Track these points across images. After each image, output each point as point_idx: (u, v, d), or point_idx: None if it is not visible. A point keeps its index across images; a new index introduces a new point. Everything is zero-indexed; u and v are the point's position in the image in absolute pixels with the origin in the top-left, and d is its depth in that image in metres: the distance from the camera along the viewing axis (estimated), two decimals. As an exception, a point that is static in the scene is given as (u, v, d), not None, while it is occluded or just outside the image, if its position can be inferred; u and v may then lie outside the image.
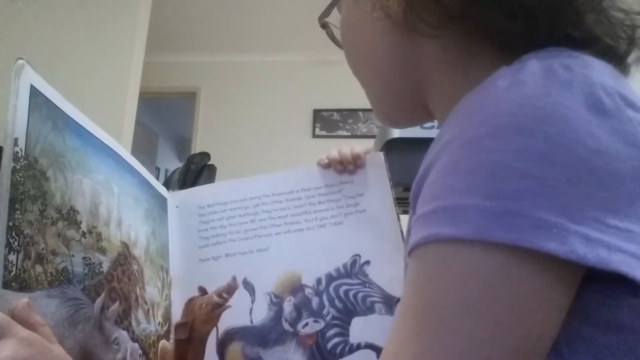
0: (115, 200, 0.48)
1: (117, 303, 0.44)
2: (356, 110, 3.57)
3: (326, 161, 0.67)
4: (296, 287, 0.60)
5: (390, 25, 0.39)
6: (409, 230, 0.33)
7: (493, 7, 0.33)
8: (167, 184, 2.51)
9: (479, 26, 0.35)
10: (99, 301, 0.41)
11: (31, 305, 0.32)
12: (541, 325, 0.25)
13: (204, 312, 0.59)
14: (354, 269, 0.61)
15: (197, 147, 3.57)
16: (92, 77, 2.43)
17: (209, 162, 2.70)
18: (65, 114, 0.42)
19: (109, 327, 0.41)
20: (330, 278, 0.60)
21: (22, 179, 0.34)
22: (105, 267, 0.43)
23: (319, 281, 0.60)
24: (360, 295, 0.59)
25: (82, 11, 2.58)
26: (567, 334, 0.26)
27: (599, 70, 0.28)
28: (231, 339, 0.58)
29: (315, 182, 0.66)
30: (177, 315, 0.59)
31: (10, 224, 0.32)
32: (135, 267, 0.49)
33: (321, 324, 0.58)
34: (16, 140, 0.34)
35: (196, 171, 2.61)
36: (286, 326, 0.58)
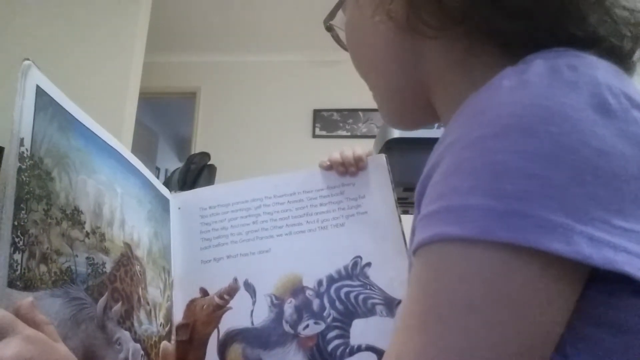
0: (119, 201, 0.48)
1: (120, 303, 0.44)
2: (356, 110, 3.58)
3: (328, 163, 0.67)
4: (297, 289, 0.60)
5: (393, 27, 0.39)
6: (413, 230, 0.33)
7: (494, 8, 0.33)
8: (167, 184, 2.51)
9: (480, 27, 0.35)
10: (101, 301, 0.41)
11: (35, 304, 0.32)
12: (545, 325, 0.25)
13: (205, 314, 0.59)
14: (355, 270, 0.61)
15: (197, 147, 3.58)
16: (92, 77, 2.43)
17: (209, 162, 2.71)
18: (70, 114, 0.42)
19: (111, 328, 0.41)
20: (331, 280, 0.60)
21: (27, 178, 0.34)
22: (108, 268, 0.43)
23: (319, 283, 0.60)
24: (361, 297, 0.59)
25: (82, 11, 2.58)
26: (571, 334, 0.26)
27: (604, 70, 0.28)
28: (232, 340, 0.58)
29: (317, 184, 0.66)
30: (178, 317, 0.59)
31: (16, 223, 0.32)
32: (137, 268, 0.49)
33: (322, 326, 0.58)
34: (22, 140, 0.34)
35: (196, 171, 2.61)
36: (287, 328, 0.58)
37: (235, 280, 0.61)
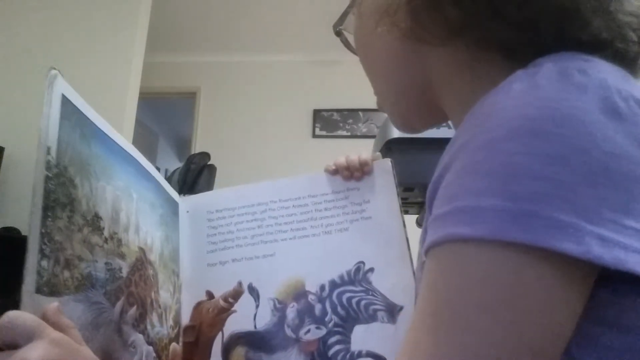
0: (134, 207, 0.49)
1: (135, 307, 0.45)
2: (356, 110, 3.57)
3: (333, 167, 0.67)
4: (300, 293, 0.60)
5: (398, 36, 0.40)
6: (424, 231, 0.33)
7: (494, 19, 0.34)
8: (167, 184, 2.51)
9: (483, 37, 0.36)
10: (118, 305, 0.42)
11: (61, 309, 0.33)
12: (556, 325, 0.25)
13: (210, 316, 0.60)
14: (358, 276, 0.61)
15: (197, 147, 3.57)
16: (92, 77, 2.42)
17: (209, 162, 2.70)
18: (91, 121, 0.43)
19: (127, 331, 0.42)
20: (333, 285, 0.60)
21: (53, 186, 0.35)
22: (124, 272, 0.44)
23: (322, 288, 0.60)
24: (363, 302, 0.59)
25: (82, 11, 2.58)
26: (578, 334, 0.26)
27: (613, 74, 0.29)
28: (235, 343, 0.59)
29: (322, 189, 0.66)
30: (185, 319, 0.59)
31: (43, 230, 0.33)
32: (151, 271, 0.50)
33: (323, 331, 0.58)
34: (49, 149, 0.35)
35: (196, 171, 2.60)
36: (289, 332, 0.58)
37: (240, 283, 0.61)
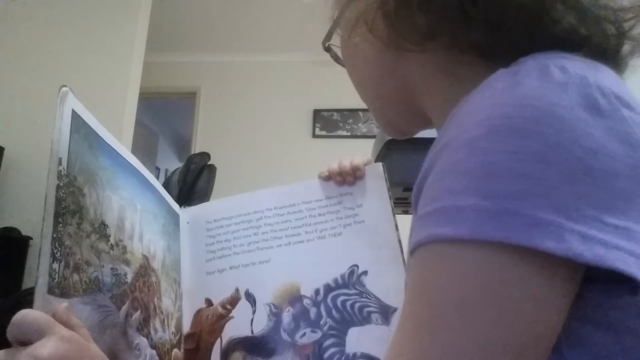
0: (138, 216, 0.51)
1: (139, 312, 0.47)
2: (356, 110, 3.57)
3: (326, 173, 0.68)
4: (295, 298, 0.61)
5: (377, 45, 0.41)
6: (411, 231, 0.33)
7: (464, 23, 0.34)
8: (167, 184, 2.52)
9: (456, 41, 0.36)
10: (124, 309, 0.44)
11: (70, 309, 0.35)
12: (539, 324, 0.25)
13: (209, 323, 0.61)
14: (352, 279, 0.61)
15: (197, 147, 3.57)
16: (92, 77, 2.44)
17: (209, 162, 2.70)
18: (98, 135, 0.45)
19: (131, 334, 0.44)
20: (328, 288, 0.61)
21: (64, 195, 0.37)
22: (129, 278, 0.46)
23: (317, 292, 0.61)
24: (357, 305, 0.60)
25: (82, 11, 2.59)
26: (567, 334, 0.26)
27: (594, 70, 0.29)
28: (233, 349, 0.60)
29: (316, 195, 0.67)
30: (186, 326, 0.61)
31: (54, 235, 0.35)
32: (154, 278, 0.52)
33: (318, 334, 0.59)
34: (60, 159, 0.37)
35: (196, 171, 2.60)
36: (284, 336, 0.59)
37: (237, 290, 0.62)
